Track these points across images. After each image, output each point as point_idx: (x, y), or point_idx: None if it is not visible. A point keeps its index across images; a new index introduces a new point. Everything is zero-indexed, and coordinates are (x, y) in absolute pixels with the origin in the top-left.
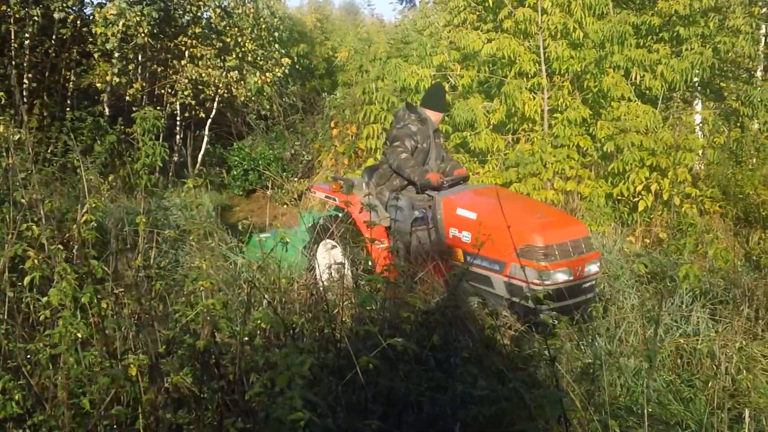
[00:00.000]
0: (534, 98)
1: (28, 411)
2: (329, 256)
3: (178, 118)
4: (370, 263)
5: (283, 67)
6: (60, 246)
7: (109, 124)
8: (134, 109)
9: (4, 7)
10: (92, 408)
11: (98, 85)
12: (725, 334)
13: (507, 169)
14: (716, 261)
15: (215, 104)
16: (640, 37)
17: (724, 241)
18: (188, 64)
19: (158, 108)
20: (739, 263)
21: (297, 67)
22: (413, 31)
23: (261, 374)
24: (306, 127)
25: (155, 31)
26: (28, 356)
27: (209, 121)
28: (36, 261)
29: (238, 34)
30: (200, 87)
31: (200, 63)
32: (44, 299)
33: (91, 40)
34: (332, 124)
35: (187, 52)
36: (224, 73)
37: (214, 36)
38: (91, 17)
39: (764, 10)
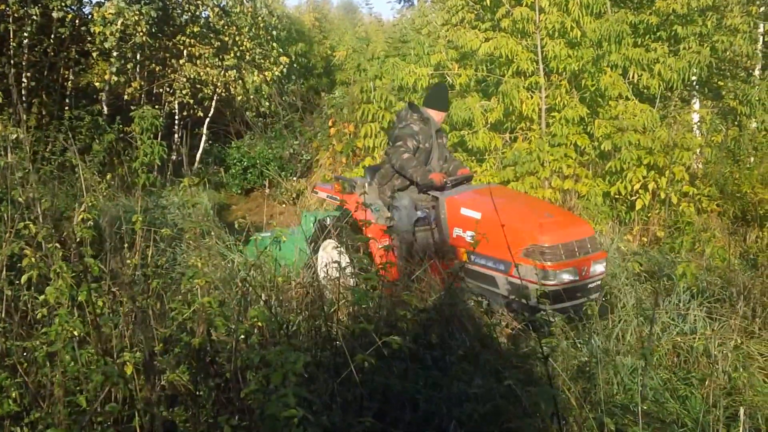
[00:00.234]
0: (531, 97)
1: (26, 408)
2: (332, 256)
3: (176, 117)
4: (368, 262)
5: (281, 66)
6: (57, 244)
7: (107, 123)
8: (133, 108)
9: (2, 6)
10: (88, 405)
11: (97, 84)
12: (722, 333)
13: (504, 168)
14: (713, 259)
15: (213, 103)
16: (638, 36)
17: (721, 240)
18: (186, 63)
19: (157, 107)
20: (736, 262)
21: (295, 66)
22: (411, 30)
23: (257, 372)
24: (305, 126)
25: (154, 30)
26: (25, 354)
27: (207, 120)
28: (33, 259)
29: (236, 33)
30: (198, 86)
31: (198, 62)
32: (41, 297)
33: (89, 39)
34: (330, 123)
35: (185, 51)
36: (222, 72)
37: (212, 35)
38: (90, 16)
39: (762, 9)
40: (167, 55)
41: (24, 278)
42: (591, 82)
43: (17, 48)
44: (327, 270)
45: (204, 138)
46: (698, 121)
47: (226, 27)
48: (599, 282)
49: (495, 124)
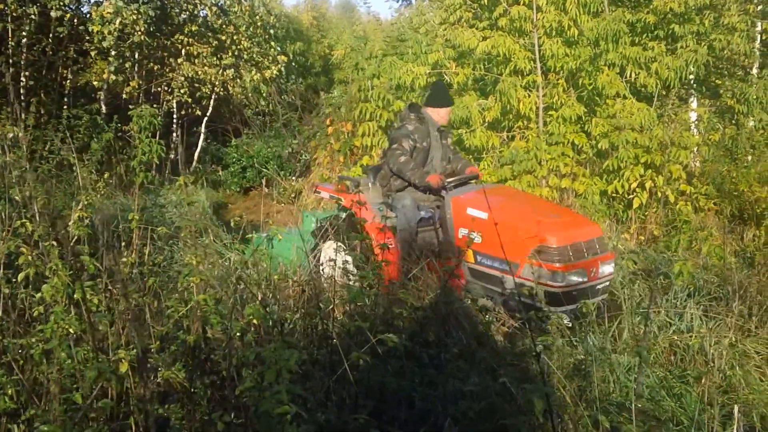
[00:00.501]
0: (529, 96)
1: (22, 405)
2: (334, 255)
3: (174, 116)
4: (370, 261)
5: (279, 65)
6: (54, 243)
7: (105, 122)
8: (131, 107)
9: (1, 6)
10: (84, 402)
11: (95, 83)
12: (718, 331)
13: (502, 167)
14: (710, 258)
15: (211, 102)
16: (635, 35)
17: (718, 238)
18: (185, 62)
19: (155, 106)
20: (733, 260)
21: (294, 64)
22: (409, 29)
23: (252, 369)
24: (304, 125)
25: (152, 29)
26: (20, 351)
27: (205, 118)
28: (30, 257)
29: (234, 32)
30: (196, 85)
31: (197, 61)
32: (38, 295)
33: (87, 38)
34: (328, 122)
35: (183, 50)
36: (220, 71)
37: (210, 34)
38: (88, 15)
39: (759, 7)
40: (165, 54)
41: (21, 276)
42: (588, 80)
43: (16, 47)
44: (329, 269)
45: (202, 137)
46: (696, 120)
47: (224, 26)
48: (608, 283)
49: (492, 122)
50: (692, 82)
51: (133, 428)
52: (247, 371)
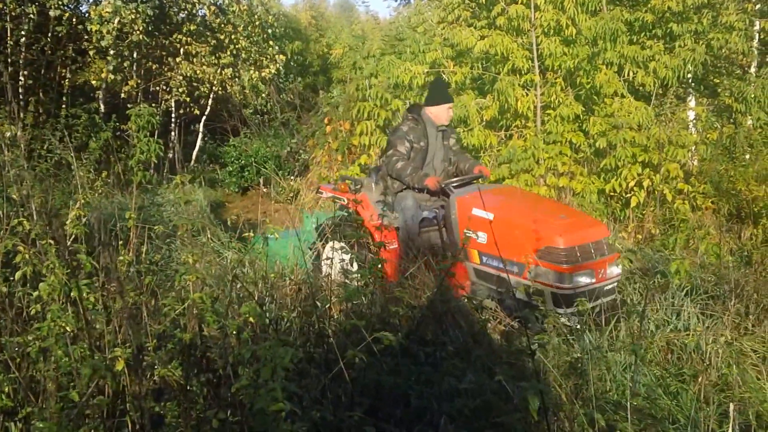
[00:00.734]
0: (527, 95)
1: (19, 403)
2: (337, 255)
3: (173, 115)
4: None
5: (277, 64)
6: (51, 241)
7: (104, 121)
8: (129, 106)
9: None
10: (80, 400)
11: (93, 82)
12: (715, 329)
13: (500, 166)
14: (707, 256)
15: (210, 101)
16: (633, 34)
17: (715, 237)
18: (183, 62)
19: (153, 105)
20: (730, 259)
21: (292, 63)
22: (407, 28)
23: (248, 367)
24: (302, 124)
25: (150, 28)
26: (17, 349)
27: (204, 117)
28: (27, 256)
29: (233, 31)
30: (195, 84)
31: (195, 60)
32: (35, 293)
33: (86, 37)
34: (326, 121)
35: (182, 50)
36: (219, 70)
37: (208, 33)
38: (87, 15)
39: (758, 6)
40: (164, 53)
41: (18, 275)
42: (586, 79)
43: (14, 46)
44: (327, 268)
45: (200, 136)
46: (694, 119)
47: (222, 25)
48: (615, 284)
49: (490, 121)
50: (690, 80)
51: (129, 426)
52: (243, 369)
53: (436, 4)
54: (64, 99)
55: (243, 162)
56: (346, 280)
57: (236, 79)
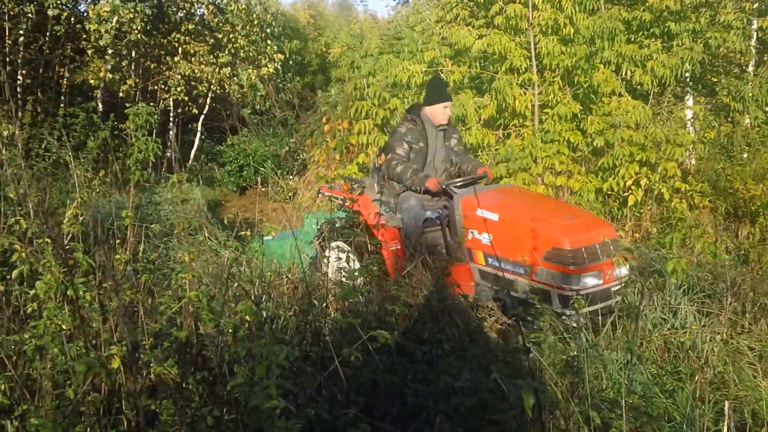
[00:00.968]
0: (525, 94)
1: (16, 402)
2: (335, 255)
3: (171, 114)
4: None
5: (275, 63)
6: (48, 240)
7: (102, 120)
8: (128, 105)
9: None
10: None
11: (92, 81)
12: (712, 327)
13: (497, 165)
14: (704, 255)
15: (208, 100)
16: (631, 33)
17: (712, 236)
18: (181, 61)
19: (151, 104)
20: (727, 257)
21: (291, 62)
22: (406, 27)
23: (244, 365)
24: (301, 123)
25: (149, 27)
26: (14, 347)
27: (202, 117)
28: (24, 254)
29: (231, 30)
30: (193, 83)
31: (193, 59)
32: (32, 292)
33: (84, 36)
34: (324, 120)
35: (180, 49)
36: (217, 69)
37: (207, 33)
38: (85, 14)
39: (756, 5)
40: (162, 52)
41: (15, 273)
42: (584, 78)
43: (12, 45)
44: (326, 267)
45: (198, 135)
46: (691, 118)
47: (220, 24)
48: (622, 285)
49: (488, 120)
50: (688, 79)
51: (125, 423)
52: (238, 367)
53: (435, 3)
54: (62, 98)
55: (241, 161)
56: (343, 279)
57: (234, 79)
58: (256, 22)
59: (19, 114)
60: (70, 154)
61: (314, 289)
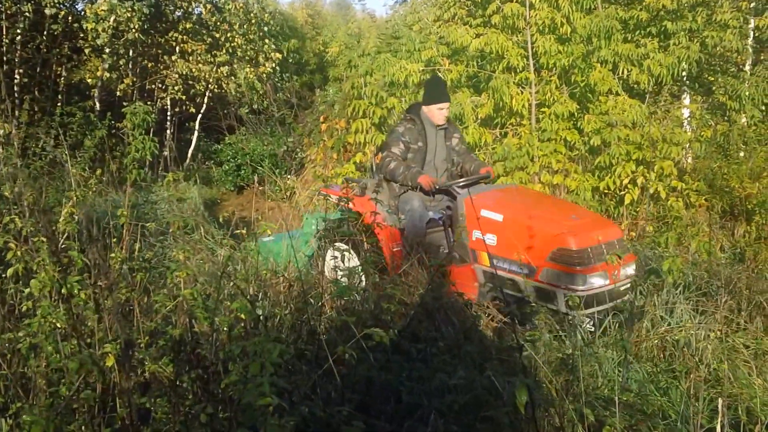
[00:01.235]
0: (522, 93)
1: (10, 399)
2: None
3: (168, 113)
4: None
5: (273, 62)
6: (44, 239)
7: (99, 119)
8: (125, 104)
9: None
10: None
11: (89, 80)
12: (707, 326)
13: (494, 163)
14: (699, 254)
15: (205, 99)
16: (628, 32)
17: (708, 234)
18: (179, 60)
19: (149, 103)
20: (723, 256)
21: (290, 62)
22: (403, 26)
23: (238, 363)
24: (299, 123)
25: (146, 26)
26: (8, 345)
27: (200, 116)
28: (19, 253)
29: (228, 29)
30: (191, 82)
31: (191, 58)
32: (27, 290)
33: (82, 35)
34: (322, 119)
35: (177, 48)
36: (214, 68)
37: (204, 32)
38: (83, 13)
39: (752, 4)
40: (159, 51)
41: (10, 271)
42: (581, 77)
43: (10, 44)
44: (324, 267)
45: (195, 134)
46: (688, 116)
47: (218, 23)
48: (629, 285)
49: (485, 119)
50: (685, 78)
51: (119, 421)
52: (233, 365)
53: (432, 3)
54: (59, 97)
55: (239, 161)
56: (339, 278)
57: (232, 78)
58: (253, 21)
59: (16, 113)
60: (66, 152)
61: (310, 287)
